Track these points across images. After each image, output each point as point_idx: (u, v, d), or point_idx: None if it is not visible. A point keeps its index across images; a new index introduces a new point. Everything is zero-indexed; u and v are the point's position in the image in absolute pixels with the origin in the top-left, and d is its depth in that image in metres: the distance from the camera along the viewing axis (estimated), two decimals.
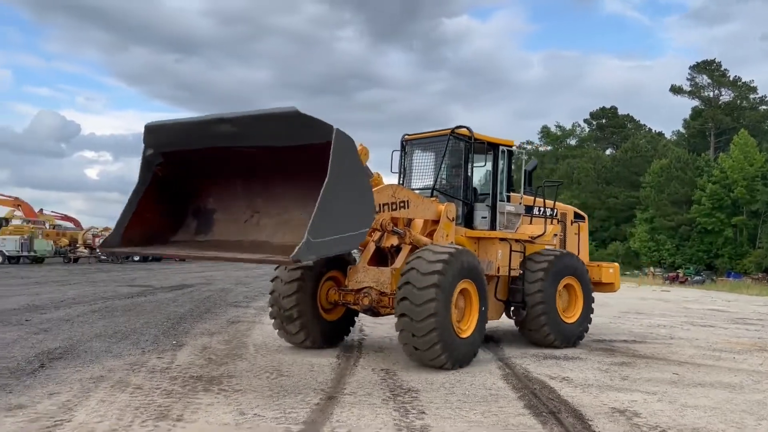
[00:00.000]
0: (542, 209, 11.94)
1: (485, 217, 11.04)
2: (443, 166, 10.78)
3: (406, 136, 11.42)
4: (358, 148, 9.39)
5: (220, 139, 7.07)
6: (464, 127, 10.81)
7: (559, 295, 11.17)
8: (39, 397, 6.51)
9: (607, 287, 13.29)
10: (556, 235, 11.82)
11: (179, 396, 6.74)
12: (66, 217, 54.23)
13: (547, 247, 11.71)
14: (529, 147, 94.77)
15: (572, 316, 11.49)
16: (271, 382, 7.62)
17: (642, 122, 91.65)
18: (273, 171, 7.33)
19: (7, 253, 38.11)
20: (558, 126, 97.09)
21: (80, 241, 49.11)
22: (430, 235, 10.03)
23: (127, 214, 7.59)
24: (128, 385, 7.13)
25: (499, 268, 10.81)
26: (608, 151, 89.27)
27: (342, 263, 10.19)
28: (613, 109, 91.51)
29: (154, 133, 7.60)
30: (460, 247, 9.24)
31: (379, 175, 9.92)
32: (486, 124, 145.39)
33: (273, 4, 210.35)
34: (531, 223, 11.87)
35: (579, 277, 11.62)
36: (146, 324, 12.38)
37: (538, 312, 10.82)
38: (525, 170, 12.28)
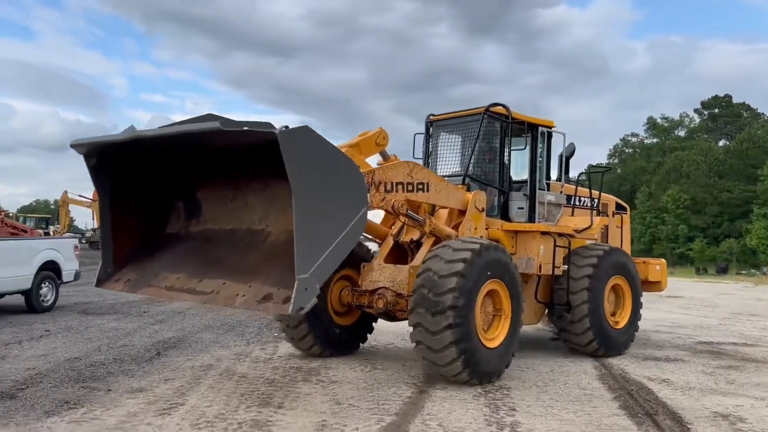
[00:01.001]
0: (585, 199, 10.45)
1: (522, 208, 9.65)
2: (476, 149, 9.46)
3: (431, 117, 10.12)
4: (376, 131, 8.29)
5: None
6: (500, 104, 9.46)
7: (606, 298, 9.67)
8: (156, 382, 7.25)
9: (654, 286, 11.75)
10: (601, 228, 10.25)
11: (280, 385, 7.31)
12: None
13: (590, 241, 10.22)
14: (634, 139, 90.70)
15: (620, 321, 10.03)
16: (366, 375, 8.03)
17: (760, 111, 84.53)
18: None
19: None
20: (664, 117, 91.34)
21: None
22: (457, 227, 8.73)
23: (107, 241, 6.92)
24: (234, 374, 7.80)
25: (540, 265, 9.38)
26: (721, 143, 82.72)
27: (356, 260, 8.93)
28: (727, 97, 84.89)
29: (83, 146, 6.59)
30: (486, 241, 7.91)
31: (395, 157, 8.70)
32: (587, 117, 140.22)
33: (367, 5, 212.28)
34: (573, 214, 10.38)
35: (628, 276, 10.15)
36: (251, 317, 13.09)
37: (582, 314, 9.35)
38: (562, 155, 10.76)
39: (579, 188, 10.51)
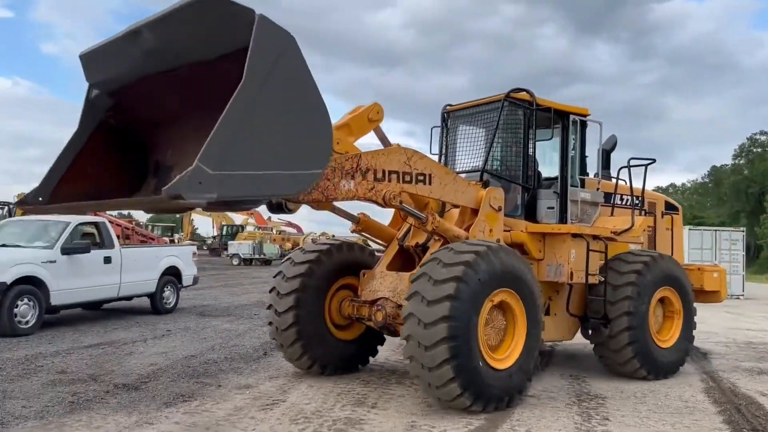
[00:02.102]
0: (627, 198, 9.12)
1: (552, 208, 8.44)
2: (496, 141, 8.31)
3: (448, 107, 9.03)
4: (369, 105, 7.17)
5: (148, 62, 5.46)
6: (523, 90, 8.30)
7: (652, 311, 8.35)
8: (262, 380, 7.78)
9: (711, 296, 10.28)
10: (645, 230, 8.95)
11: (375, 386, 7.59)
12: (290, 224, 57.48)
13: (634, 246, 8.90)
14: (763, 138, 79.42)
15: (668, 339, 8.66)
16: None
17: None
18: (223, 100, 5.34)
19: (242, 256, 41.37)
20: None
21: (301, 245, 50.44)
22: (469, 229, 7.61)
23: (60, 167, 5.94)
24: (333, 375, 8.02)
25: (572, 273, 8.12)
26: None
27: (359, 266, 7.99)
28: None
29: (94, 63, 5.86)
30: (494, 243, 6.75)
31: (398, 147, 7.66)
32: (709, 115, 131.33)
33: (471, 10, 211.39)
34: (612, 215, 9.10)
35: (679, 287, 8.77)
36: None
37: (622, 329, 8.05)
38: (601, 149, 9.49)
39: (620, 185, 9.20)
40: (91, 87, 6.04)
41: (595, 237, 8.37)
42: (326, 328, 7.91)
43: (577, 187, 8.52)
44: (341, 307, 7.96)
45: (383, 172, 6.69)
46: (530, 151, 8.28)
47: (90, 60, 5.92)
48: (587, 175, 9.04)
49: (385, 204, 6.77)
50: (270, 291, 7.97)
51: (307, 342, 7.74)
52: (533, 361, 6.88)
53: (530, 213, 8.41)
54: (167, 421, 5.94)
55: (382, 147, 7.45)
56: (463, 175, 8.47)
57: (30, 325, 10.59)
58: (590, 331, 8.48)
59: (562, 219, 8.38)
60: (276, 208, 6.75)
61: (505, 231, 8.00)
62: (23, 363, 8.34)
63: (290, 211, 6.93)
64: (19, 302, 10.50)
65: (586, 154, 9.29)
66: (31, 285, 10.75)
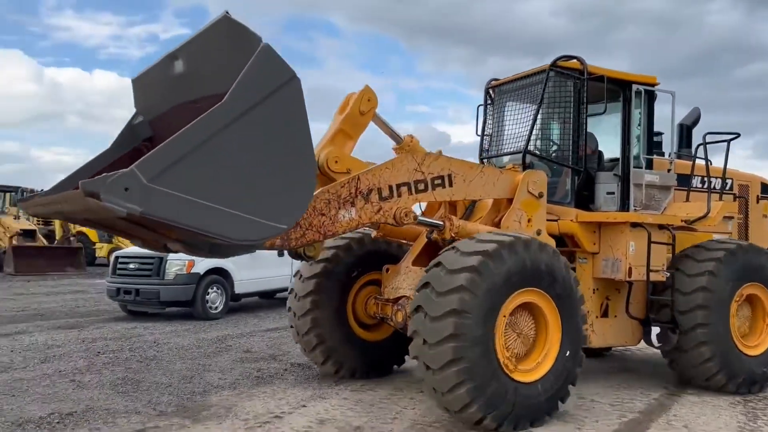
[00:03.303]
0: (706, 179, 7.74)
1: (612, 193, 7.29)
2: (540, 117, 7.27)
3: (492, 82, 8.06)
4: (358, 95, 6.25)
5: (180, 90, 5.20)
6: (573, 57, 7.21)
7: (735, 313, 7.01)
8: None
9: None
10: (730, 217, 7.55)
11: None
12: None
13: (715, 236, 7.54)
14: None
15: (757, 345, 7.28)
16: (612, 375, 7.96)
17: None
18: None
19: None
20: None
21: None
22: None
23: (74, 179, 5.61)
24: (364, 378, 7.54)
25: (630, 268, 6.95)
26: None
27: (385, 261, 7.24)
28: None
29: (141, 89, 5.68)
30: (514, 235, 5.75)
31: (412, 139, 6.79)
32: None
33: None
34: (687, 200, 7.77)
35: None
36: None
37: (698, 339, 6.80)
38: (680, 125, 8.13)
39: (700, 165, 7.86)
40: (137, 113, 5.88)
41: (662, 226, 7.15)
42: (351, 329, 7.26)
43: (641, 168, 7.31)
44: (367, 305, 7.29)
45: (389, 188, 5.91)
46: (582, 127, 7.17)
47: (138, 85, 5.74)
48: (661, 155, 7.80)
49: (397, 223, 5.99)
50: (289, 292, 7.43)
51: (330, 346, 7.15)
52: (570, 369, 5.86)
53: (588, 199, 7.32)
54: (337, 397, 6.63)
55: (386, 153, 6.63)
56: (506, 158, 7.54)
57: (218, 310, 12.38)
58: (653, 337, 7.27)
59: (624, 206, 7.22)
60: (295, 255, 5.98)
61: (551, 220, 7.01)
62: (216, 342, 9.70)
63: (310, 259, 6.07)
64: (210, 290, 12.27)
65: (661, 130, 8.08)
66: (220, 275, 12.43)
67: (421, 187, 6.09)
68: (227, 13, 4.66)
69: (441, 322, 5.21)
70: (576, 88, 7.14)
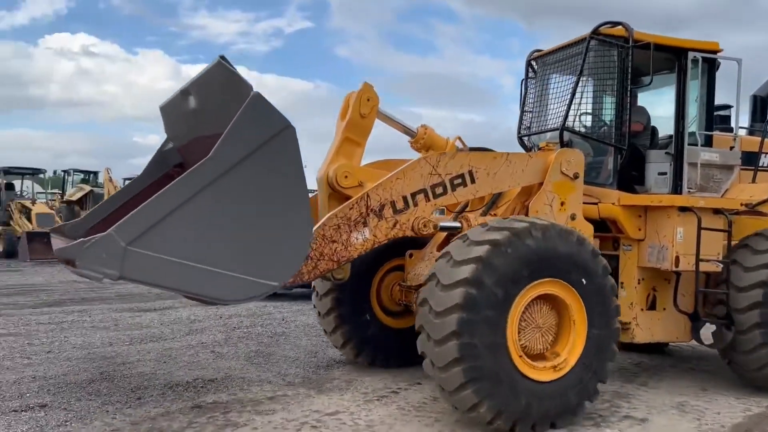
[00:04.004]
0: None
1: (664, 173, 6.59)
2: (581, 90, 6.64)
3: (534, 53, 7.45)
4: (356, 97, 5.86)
5: (196, 123, 5.26)
6: (616, 23, 6.53)
7: None
8: None
9: None
10: None
11: (647, 367, 7.56)
12: None
13: None
14: None
15: None
16: None
17: None
18: None
19: None
20: None
21: None
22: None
23: (106, 208, 5.86)
24: (386, 367, 7.25)
25: (677, 257, 6.26)
26: None
27: (410, 246, 6.84)
28: None
29: (167, 116, 5.76)
30: (530, 221, 5.22)
31: (425, 129, 6.32)
32: None
33: None
34: (754, 181, 6.94)
35: None
36: None
37: (756, 341, 6.08)
38: (754, 96, 7.20)
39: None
40: (167, 139, 5.95)
41: (717, 211, 6.40)
42: (374, 315, 6.97)
43: (696, 145, 6.55)
44: (392, 291, 6.97)
45: (404, 199, 5.54)
46: (626, 100, 6.49)
47: (164, 113, 5.76)
48: (729, 131, 6.98)
49: (416, 234, 5.62)
50: None
51: (351, 329, 6.91)
52: (598, 370, 5.32)
53: (638, 180, 6.66)
54: None
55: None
56: (548, 135, 6.97)
57: None
58: (712, 335, 6.54)
59: (676, 188, 6.51)
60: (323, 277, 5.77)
61: (592, 204, 6.43)
62: None
63: (339, 280, 5.93)
64: None
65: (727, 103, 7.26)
66: None
67: (440, 190, 5.67)
68: (221, 58, 4.52)
69: (445, 317, 4.82)
70: (620, 57, 6.46)
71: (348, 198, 5.59)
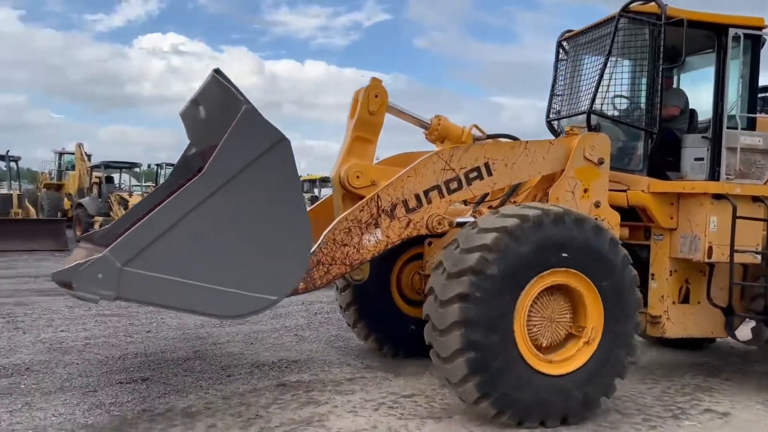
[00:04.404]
0: None
1: (701, 159, 6.20)
2: (609, 70, 6.30)
3: (565, 34, 7.11)
4: (365, 94, 5.67)
5: (207, 132, 5.26)
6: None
7: None
8: None
9: None
10: None
11: (732, 362, 7.28)
12: None
13: None
14: None
15: None
16: None
17: None
18: None
19: None
20: None
21: None
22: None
23: (132, 216, 5.88)
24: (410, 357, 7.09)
25: (710, 248, 5.88)
26: None
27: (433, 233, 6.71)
28: None
29: (187, 123, 5.85)
30: (543, 208, 4.96)
31: (439, 120, 6.08)
32: None
33: None
34: None
35: None
36: None
37: None
38: None
39: None
40: (191, 144, 6.02)
41: (757, 198, 5.98)
42: (394, 305, 6.86)
43: (736, 129, 6.13)
44: (412, 281, 6.84)
45: (416, 197, 5.37)
46: (658, 81, 6.12)
47: (184, 119, 5.83)
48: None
49: (431, 232, 5.47)
50: None
51: (372, 322, 6.85)
52: (614, 369, 5.07)
53: (657, 166, 6.28)
54: None
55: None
56: (580, 118, 6.68)
57: None
58: (742, 330, 6.14)
59: (714, 174, 6.11)
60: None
61: (620, 191, 6.12)
62: None
63: (357, 281, 5.87)
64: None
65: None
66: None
67: (454, 185, 5.49)
68: (215, 72, 4.48)
69: (448, 307, 4.68)
70: (652, 35, 6.10)
71: (362, 198, 5.49)
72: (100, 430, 4.57)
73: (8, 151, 22.01)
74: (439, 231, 5.44)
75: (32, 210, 23.05)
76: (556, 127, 7.00)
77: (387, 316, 6.80)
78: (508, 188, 6.11)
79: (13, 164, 22.59)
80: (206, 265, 4.03)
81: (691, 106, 6.71)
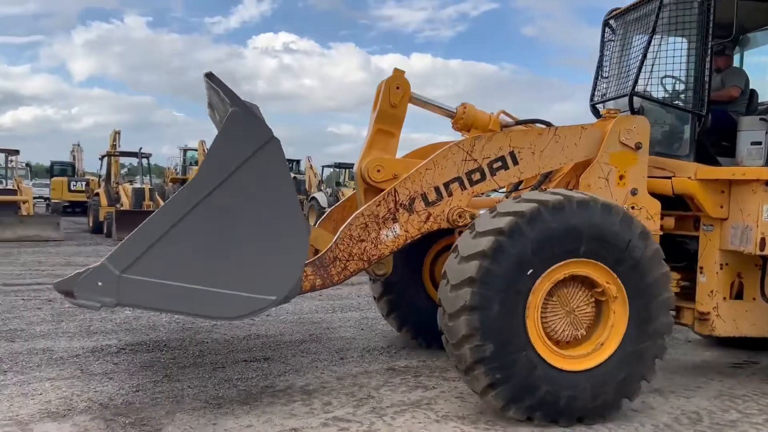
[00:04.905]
0: None
1: (758, 143, 5.70)
2: (655, 48, 5.89)
3: (612, 12, 6.69)
4: (386, 85, 5.52)
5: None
6: None
7: None
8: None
9: None
10: None
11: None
12: None
13: None
14: None
15: None
16: None
17: None
18: None
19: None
20: None
21: None
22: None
23: None
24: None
25: (764, 239, 5.38)
26: None
27: None
28: None
29: (215, 123, 6.09)
30: (564, 194, 4.66)
31: (465, 108, 5.88)
32: None
33: None
34: None
35: None
36: None
37: None
38: None
39: None
40: None
41: None
42: (427, 296, 6.74)
43: None
44: None
45: (436, 190, 5.21)
46: (707, 60, 5.67)
47: (212, 120, 5.97)
48: None
49: (452, 225, 5.30)
50: None
51: (405, 312, 6.77)
52: (640, 370, 4.74)
53: (727, 152, 5.84)
54: None
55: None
56: (625, 101, 6.30)
57: None
58: None
59: None
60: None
61: (665, 178, 5.73)
62: None
63: (380, 277, 5.81)
64: None
65: None
66: None
67: (477, 177, 5.29)
68: (205, 76, 4.52)
69: (458, 291, 4.50)
70: (702, 10, 5.65)
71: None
72: (229, 402, 4.89)
73: (141, 148, 23.34)
74: (461, 224, 5.25)
75: (161, 203, 24.41)
76: (600, 110, 6.63)
77: (420, 307, 6.68)
78: (540, 176, 5.84)
79: (144, 160, 23.88)
80: (203, 268, 4.08)
81: (756, 87, 6.21)
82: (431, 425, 4.62)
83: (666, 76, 5.96)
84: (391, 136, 5.71)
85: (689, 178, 5.65)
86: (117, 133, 23.88)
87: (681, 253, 6.04)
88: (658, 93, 6.02)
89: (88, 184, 29.49)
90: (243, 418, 4.53)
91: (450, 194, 5.23)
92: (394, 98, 5.58)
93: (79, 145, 37.87)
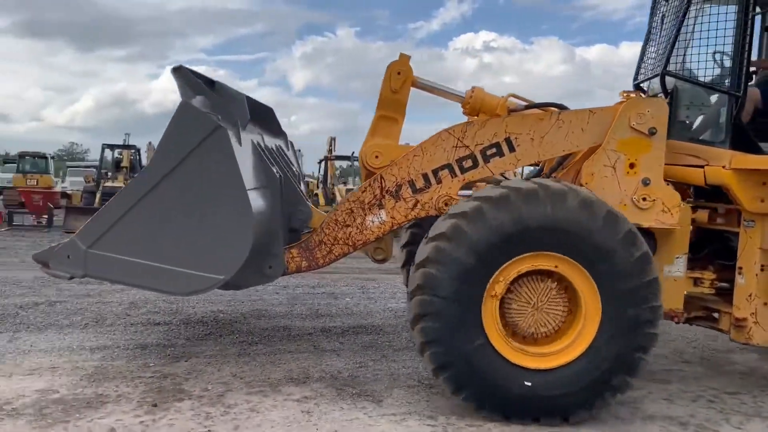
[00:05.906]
0: None
1: None
2: (686, 26, 5.27)
3: None
4: (388, 71, 5.45)
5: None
6: None
7: None
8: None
9: None
10: None
11: None
12: None
13: None
14: None
15: None
16: None
17: None
18: None
19: None
20: None
21: None
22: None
23: None
24: None
25: None
26: None
27: None
28: None
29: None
30: (515, 186, 4.40)
31: (473, 91, 5.61)
32: None
33: None
34: None
35: None
36: None
37: None
38: None
39: None
40: None
41: None
42: None
43: None
44: None
45: (424, 177, 5.07)
46: (747, 35, 4.98)
47: None
48: None
49: (438, 213, 5.12)
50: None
51: None
52: (621, 364, 4.41)
53: (746, 134, 5.11)
54: None
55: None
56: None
57: None
58: None
59: None
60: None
61: (696, 167, 5.18)
62: None
63: (380, 262, 5.90)
64: None
65: None
66: None
67: (468, 164, 5.07)
68: (171, 70, 4.90)
69: (412, 300, 4.46)
70: None
71: None
72: (439, 385, 4.85)
73: (353, 153, 25.05)
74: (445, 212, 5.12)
75: None
76: (646, 89, 6.05)
77: None
78: (554, 162, 5.49)
79: (356, 163, 25.52)
80: (159, 247, 4.45)
81: None
82: None
83: (700, 53, 5.32)
84: (394, 122, 5.60)
85: (723, 167, 5.03)
86: (333, 139, 25.43)
87: (726, 250, 5.41)
88: (697, 72, 5.39)
89: (307, 186, 31.96)
90: (453, 399, 4.62)
91: (439, 181, 5.08)
92: (395, 84, 5.47)
93: (299, 150, 41.15)
